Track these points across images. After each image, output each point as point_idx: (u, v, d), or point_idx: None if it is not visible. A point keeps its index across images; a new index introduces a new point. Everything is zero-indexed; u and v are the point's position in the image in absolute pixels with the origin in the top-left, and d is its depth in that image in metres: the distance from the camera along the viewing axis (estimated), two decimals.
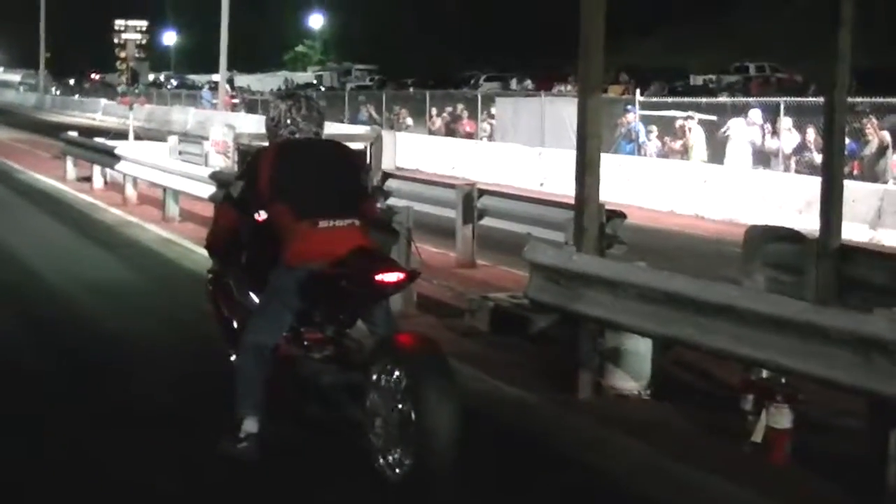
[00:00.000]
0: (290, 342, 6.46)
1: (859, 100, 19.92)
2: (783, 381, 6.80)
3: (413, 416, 5.82)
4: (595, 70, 8.54)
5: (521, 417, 7.79)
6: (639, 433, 7.32)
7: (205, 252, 7.29)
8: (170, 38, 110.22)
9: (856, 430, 6.74)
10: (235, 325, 6.80)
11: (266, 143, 6.83)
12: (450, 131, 32.86)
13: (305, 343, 6.49)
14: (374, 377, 6.06)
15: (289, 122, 6.55)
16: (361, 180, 6.79)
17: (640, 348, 8.01)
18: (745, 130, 22.70)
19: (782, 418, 6.74)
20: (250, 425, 6.27)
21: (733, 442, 7.03)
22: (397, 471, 5.98)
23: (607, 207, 10.68)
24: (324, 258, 6.18)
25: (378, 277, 6.11)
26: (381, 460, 6.06)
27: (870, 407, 6.27)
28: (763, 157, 22.39)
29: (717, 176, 21.79)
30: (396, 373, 5.95)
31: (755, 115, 22.74)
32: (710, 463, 6.75)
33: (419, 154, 30.21)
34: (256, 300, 6.59)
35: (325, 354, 6.45)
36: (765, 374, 7.00)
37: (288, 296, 6.27)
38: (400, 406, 5.90)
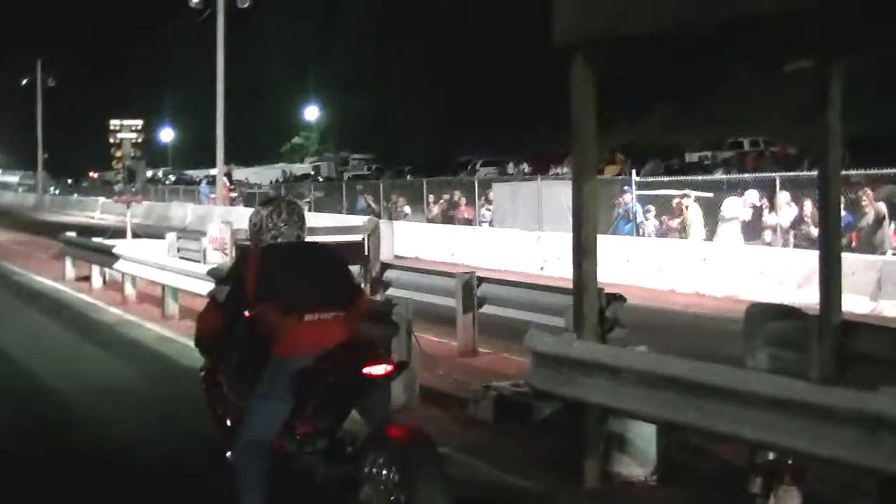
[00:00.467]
0: (282, 437, 6.49)
1: (853, 172, 20.00)
2: (790, 461, 6.73)
3: None
4: (588, 156, 8.56)
5: None
6: None
7: None
8: (167, 134, 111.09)
9: None
10: (229, 422, 6.84)
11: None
12: (447, 218, 32.94)
13: (298, 437, 6.52)
14: (367, 470, 6.11)
15: (271, 226, 6.73)
16: (348, 277, 6.91)
17: (645, 433, 7.95)
18: (741, 210, 22.77)
19: (791, 500, 6.67)
20: None
21: None
22: None
23: (607, 290, 10.66)
24: (312, 350, 6.30)
25: (366, 370, 6.23)
26: None
27: (878, 485, 6.21)
28: (761, 232, 22.42)
29: (716, 253, 21.80)
30: (388, 465, 6.00)
31: (752, 195, 22.81)
32: None
33: (418, 242, 30.28)
34: (249, 397, 6.59)
35: (317, 448, 6.47)
36: (771, 454, 6.93)
37: (279, 391, 6.34)
38: (392, 498, 5.93)
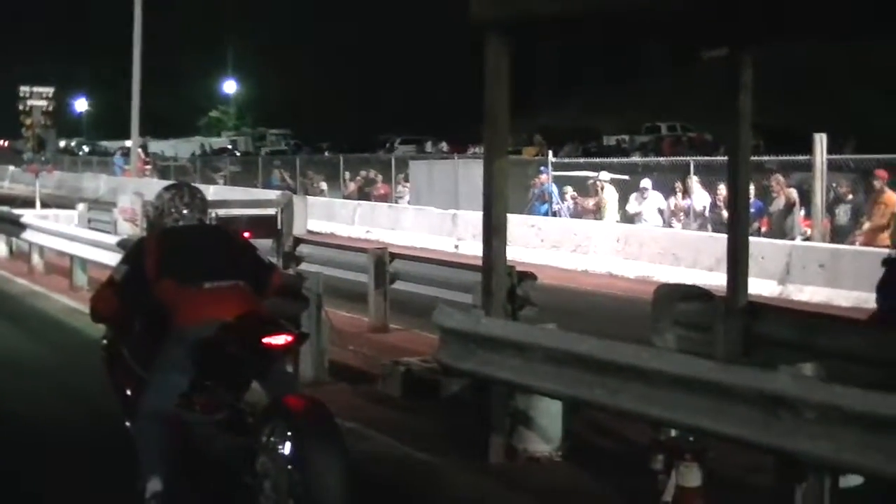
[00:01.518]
0: (182, 407, 6.45)
1: (766, 158, 20.28)
2: (691, 439, 6.80)
3: (302, 478, 5.81)
4: (500, 135, 8.56)
5: (430, 485, 7.71)
6: (549, 497, 7.27)
7: None
8: (81, 104, 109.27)
9: (765, 485, 6.75)
10: (129, 392, 6.77)
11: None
12: (364, 195, 32.82)
13: (198, 408, 6.49)
14: (264, 440, 6.08)
15: (173, 210, 6.80)
16: (252, 255, 6.92)
17: (551, 410, 8.00)
18: (650, 195, 23.02)
19: (692, 476, 6.72)
20: (155, 485, 6.30)
21: (644, 503, 7.00)
22: None
23: (519, 269, 10.70)
24: (211, 318, 6.28)
25: (265, 340, 6.19)
26: None
27: (777, 463, 6.30)
28: (675, 215, 22.68)
29: (631, 234, 21.97)
30: (284, 436, 5.97)
31: (645, 182, 23.14)
32: None
33: (334, 218, 30.16)
34: (150, 368, 6.54)
35: (217, 419, 6.44)
36: (674, 432, 7.00)
37: (179, 362, 6.33)
38: (289, 467, 5.91)
